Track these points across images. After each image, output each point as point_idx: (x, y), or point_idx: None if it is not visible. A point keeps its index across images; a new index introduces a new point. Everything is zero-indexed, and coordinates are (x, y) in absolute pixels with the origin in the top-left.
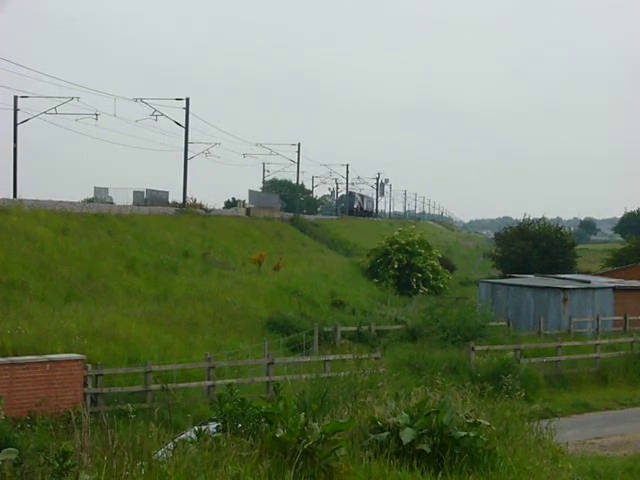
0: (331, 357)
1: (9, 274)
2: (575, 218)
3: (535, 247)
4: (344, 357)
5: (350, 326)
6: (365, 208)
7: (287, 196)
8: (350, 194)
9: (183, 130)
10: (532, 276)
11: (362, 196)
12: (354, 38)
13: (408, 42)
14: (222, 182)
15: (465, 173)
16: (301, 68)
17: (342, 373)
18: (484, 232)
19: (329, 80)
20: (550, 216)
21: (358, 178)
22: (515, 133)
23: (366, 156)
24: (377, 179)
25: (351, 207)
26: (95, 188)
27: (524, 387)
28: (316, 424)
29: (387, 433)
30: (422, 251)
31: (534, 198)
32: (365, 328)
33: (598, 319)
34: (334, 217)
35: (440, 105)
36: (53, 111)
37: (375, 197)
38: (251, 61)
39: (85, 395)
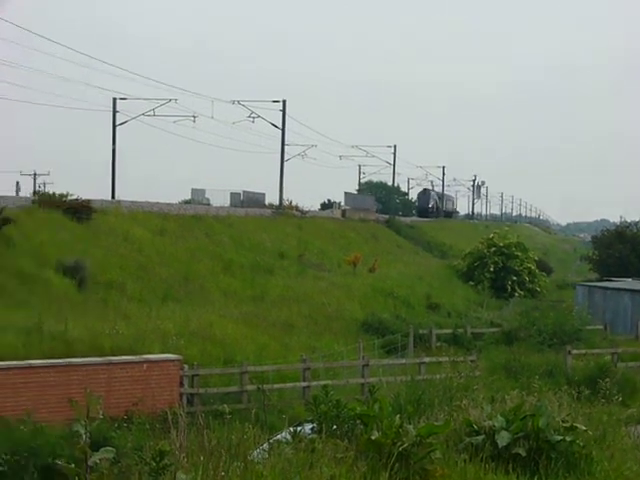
0: (426, 359)
1: (107, 275)
2: None
3: (633, 250)
4: (439, 359)
5: (445, 328)
6: (444, 208)
7: (382, 198)
8: (424, 192)
9: (280, 132)
10: (630, 279)
11: (440, 194)
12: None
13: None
14: (318, 184)
15: (562, 176)
16: (397, 69)
17: (437, 376)
18: (581, 235)
19: (424, 79)
20: None
21: (454, 180)
22: None
23: (462, 158)
24: (473, 181)
25: (425, 206)
26: (192, 190)
27: (621, 391)
28: (411, 426)
29: (483, 436)
30: (519, 254)
31: (633, 200)
32: (460, 331)
33: None
34: (430, 219)
35: (536, 97)
36: (151, 113)
37: (472, 199)
38: (347, 62)
39: (181, 395)
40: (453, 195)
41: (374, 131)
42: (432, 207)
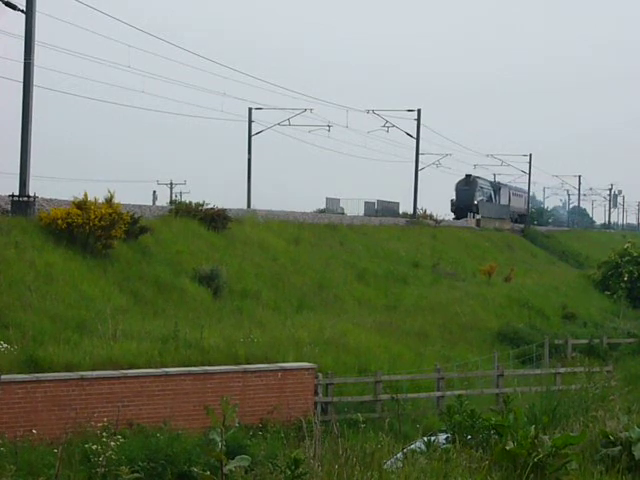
0: (562, 370)
1: (243, 283)
2: None
3: None
4: (575, 370)
5: (581, 339)
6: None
7: None
8: (468, 182)
9: (414, 141)
10: None
11: (498, 187)
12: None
13: None
14: (452, 193)
15: None
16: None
17: (573, 386)
18: None
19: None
20: None
21: (590, 189)
22: None
23: (599, 168)
24: (610, 190)
25: (467, 203)
26: (327, 199)
27: None
28: (547, 437)
29: (619, 447)
30: None
31: None
32: (597, 341)
33: None
34: (565, 228)
35: None
36: (286, 122)
37: (608, 208)
38: (482, 67)
39: (316, 404)
40: (523, 189)
41: (509, 139)
42: (478, 203)
